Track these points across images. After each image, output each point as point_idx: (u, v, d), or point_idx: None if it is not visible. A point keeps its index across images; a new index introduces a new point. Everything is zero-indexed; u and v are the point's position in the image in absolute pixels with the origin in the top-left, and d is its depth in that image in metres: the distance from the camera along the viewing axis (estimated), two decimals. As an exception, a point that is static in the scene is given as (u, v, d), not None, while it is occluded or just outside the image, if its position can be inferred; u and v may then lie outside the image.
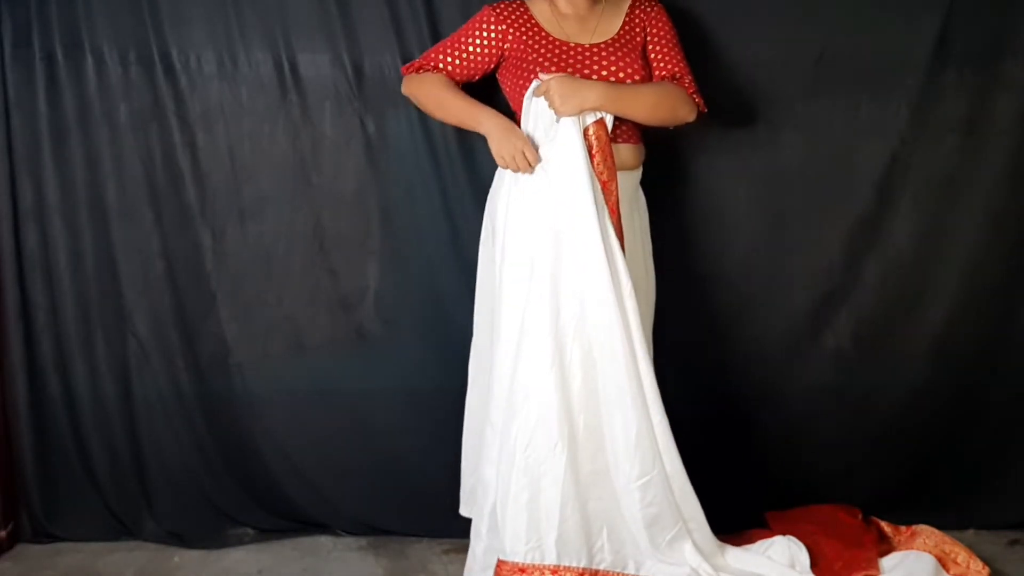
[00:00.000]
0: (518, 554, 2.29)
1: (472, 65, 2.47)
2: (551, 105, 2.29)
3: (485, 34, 2.45)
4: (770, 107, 2.67)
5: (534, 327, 2.29)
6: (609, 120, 2.32)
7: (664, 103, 2.38)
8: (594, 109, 2.30)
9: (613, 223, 2.30)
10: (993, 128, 2.66)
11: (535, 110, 2.33)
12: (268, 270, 2.74)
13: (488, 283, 2.48)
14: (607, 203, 2.30)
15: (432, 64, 2.48)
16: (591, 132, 2.30)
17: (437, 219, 2.70)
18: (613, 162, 2.33)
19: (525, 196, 2.35)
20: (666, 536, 2.33)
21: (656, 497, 2.31)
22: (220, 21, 2.64)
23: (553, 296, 2.28)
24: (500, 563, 2.32)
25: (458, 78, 2.48)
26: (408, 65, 2.52)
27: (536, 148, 2.32)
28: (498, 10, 2.46)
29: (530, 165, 2.32)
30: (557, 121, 2.30)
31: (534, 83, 2.33)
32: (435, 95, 2.46)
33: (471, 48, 2.46)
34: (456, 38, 2.48)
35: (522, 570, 2.29)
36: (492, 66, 2.48)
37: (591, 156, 2.29)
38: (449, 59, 2.47)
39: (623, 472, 2.30)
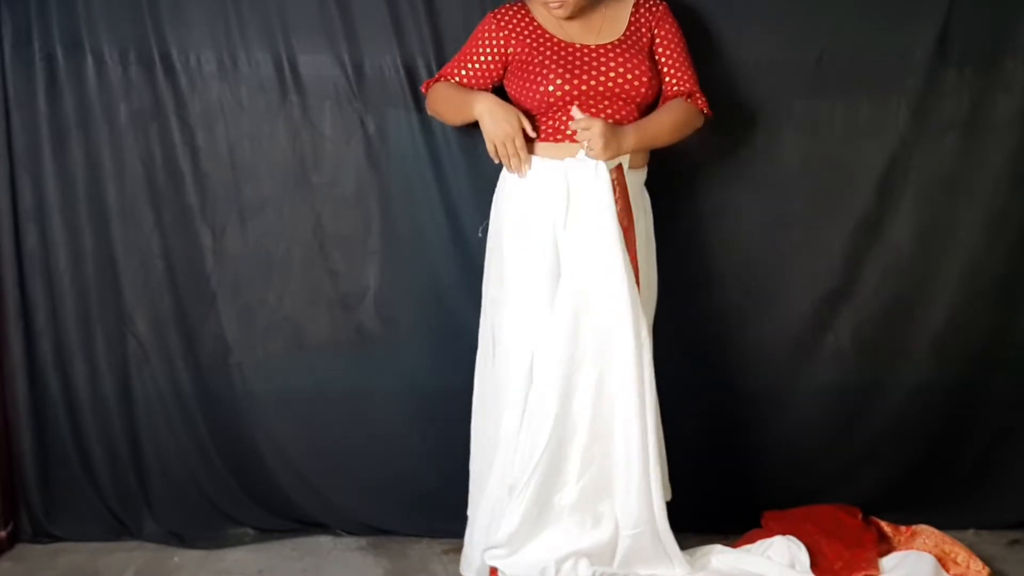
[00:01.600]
0: None
1: (484, 75, 2.46)
2: (590, 146, 2.27)
3: (491, 42, 2.43)
4: (770, 107, 2.67)
5: (552, 378, 2.31)
6: (626, 164, 2.34)
7: (682, 127, 2.43)
8: (626, 153, 2.32)
9: (633, 266, 2.31)
10: (993, 128, 2.66)
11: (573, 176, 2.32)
12: (268, 270, 2.74)
13: (494, 287, 2.47)
14: (628, 249, 2.30)
15: (443, 78, 2.48)
16: (613, 178, 2.30)
17: (437, 219, 2.70)
18: (631, 207, 2.34)
19: (531, 210, 2.36)
20: (653, 572, 2.37)
21: (647, 548, 2.35)
22: (220, 21, 2.63)
23: (571, 347, 2.30)
24: None
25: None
26: (424, 84, 2.53)
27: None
28: (499, 16, 2.44)
29: (514, 160, 2.32)
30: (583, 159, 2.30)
31: (576, 124, 2.29)
32: (442, 98, 2.47)
33: (480, 59, 2.44)
34: (463, 52, 2.47)
35: None
36: (503, 72, 2.47)
37: (615, 203, 2.29)
38: (460, 72, 2.46)
39: (623, 520, 2.34)
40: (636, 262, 2.33)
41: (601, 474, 2.35)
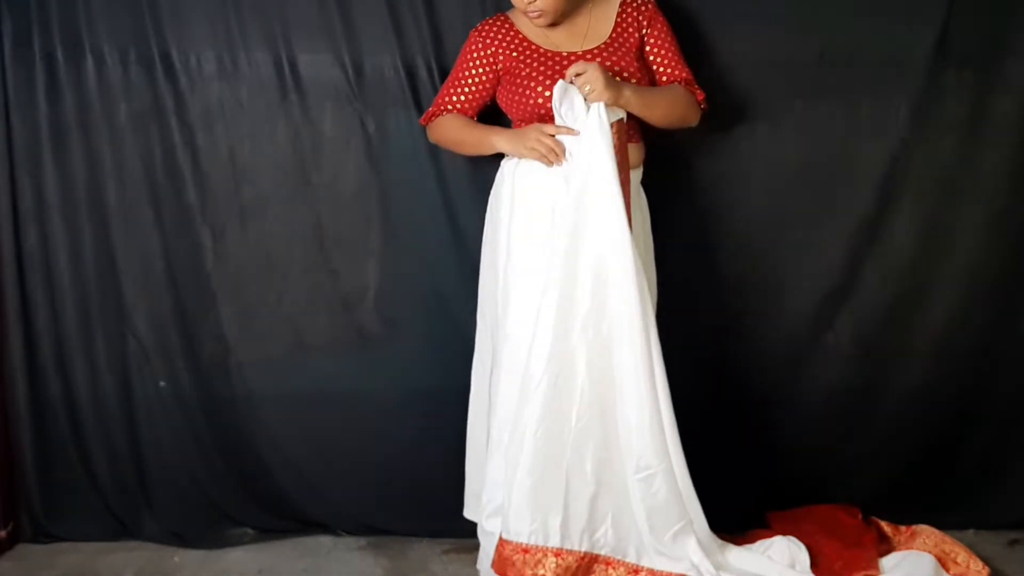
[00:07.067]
0: (522, 534, 2.30)
1: (479, 95, 2.47)
2: (589, 90, 2.24)
3: (478, 61, 2.44)
4: (770, 107, 2.67)
5: (549, 314, 2.27)
6: (625, 120, 2.33)
7: (677, 108, 2.42)
8: (625, 104, 2.30)
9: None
10: (993, 128, 2.66)
11: (570, 99, 2.28)
12: (268, 270, 2.74)
13: (491, 285, 2.47)
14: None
15: (442, 108, 2.50)
16: (613, 131, 2.28)
17: (437, 219, 2.70)
18: (628, 163, 2.33)
19: (533, 188, 2.36)
20: (670, 529, 2.33)
21: (661, 490, 2.31)
22: (220, 21, 2.64)
23: (569, 284, 2.27)
24: (502, 542, 2.32)
25: (471, 112, 2.49)
26: (424, 116, 2.53)
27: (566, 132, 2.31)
28: (482, 33, 2.44)
29: (555, 147, 2.29)
30: (587, 111, 2.26)
31: (571, 70, 2.26)
32: (450, 137, 2.49)
33: (471, 80, 2.46)
34: (455, 75, 2.48)
35: (525, 550, 2.29)
36: (496, 87, 2.47)
37: (615, 154, 2.28)
38: (455, 98, 2.48)
39: (631, 462, 2.31)
40: (630, 214, 2.29)
41: (603, 421, 2.30)
